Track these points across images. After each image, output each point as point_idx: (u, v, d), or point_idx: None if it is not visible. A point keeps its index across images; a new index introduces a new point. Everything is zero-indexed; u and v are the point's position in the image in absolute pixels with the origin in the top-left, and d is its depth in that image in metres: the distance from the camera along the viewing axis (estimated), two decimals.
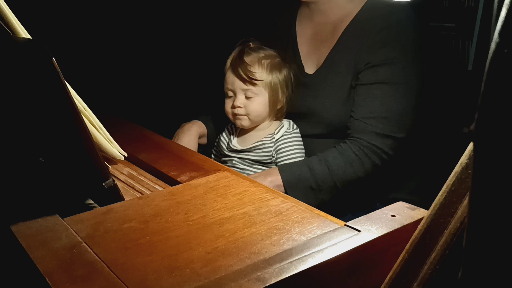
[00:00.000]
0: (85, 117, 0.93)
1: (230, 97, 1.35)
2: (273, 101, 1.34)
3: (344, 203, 1.27)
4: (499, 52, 0.35)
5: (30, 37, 0.83)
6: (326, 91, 1.32)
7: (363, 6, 1.31)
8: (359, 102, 1.26)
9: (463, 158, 0.60)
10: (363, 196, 1.31)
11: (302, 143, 1.36)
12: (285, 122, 1.39)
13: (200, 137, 1.48)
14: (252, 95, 1.32)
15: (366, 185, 1.27)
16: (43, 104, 0.88)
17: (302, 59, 1.39)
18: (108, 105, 1.43)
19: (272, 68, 1.33)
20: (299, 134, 1.37)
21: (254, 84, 1.31)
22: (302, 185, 1.22)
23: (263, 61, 1.33)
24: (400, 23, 1.26)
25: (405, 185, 1.37)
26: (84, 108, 0.97)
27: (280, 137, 1.35)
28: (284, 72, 1.35)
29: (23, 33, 0.85)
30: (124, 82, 1.94)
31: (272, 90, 1.33)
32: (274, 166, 1.32)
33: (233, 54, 1.36)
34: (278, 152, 1.34)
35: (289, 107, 1.39)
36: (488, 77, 0.36)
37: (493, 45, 0.37)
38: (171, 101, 2.05)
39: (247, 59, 1.32)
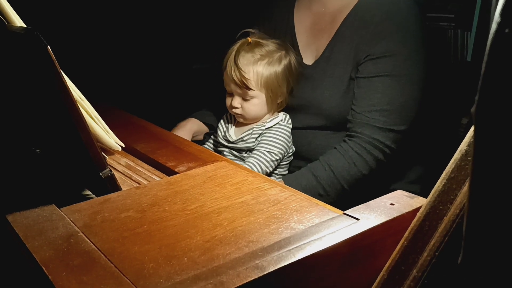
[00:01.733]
0: (82, 107, 0.92)
1: (229, 95, 1.37)
2: (271, 98, 1.34)
3: (347, 199, 1.27)
4: (500, 32, 0.35)
5: (25, 26, 0.82)
6: (325, 82, 1.31)
7: None
8: (360, 94, 1.25)
9: (463, 145, 0.59)
10: (366, 190, 1.31)
11: (289, 138, 1.36)
12: (281, 114, 1.38)
13: (194, 135, 1.48)
14: (249, 97, 1.32)
15: (369, 180, 1.27)
16: (39, 93, 0.87)
17: (300, 49, 1.38)
18: (105, 95, 1.43)
19: (268, 66, 1.31)
20: (289, 130, 1.37)
21: (248, 89, 1.32)
22: (310, 194, 1.22)
23: (259, 62, 1.31)
24: (400, 14, 1.24)
25: (405, 175, 1.37)
26: (80, 98, 0.96)
27: (271, 126, 1.35)
28: (284, 62, 1.34)
29: (18, 22, 0.84)
30: (122, 72, 1.92)
31: (269, 89, 1.32)
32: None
33: (229, 53, 1.34)
34: (262, 137, 1.34)
35: (288, 98, 1.38)
36: (489, 57, 0.36)
37: (494, 26, 0.36)
38: (169, 91, 2.04)
39: (241, 62, 1.31)
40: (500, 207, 0.38)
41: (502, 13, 0.35)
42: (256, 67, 1.31)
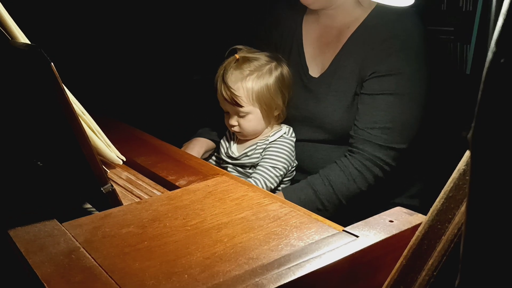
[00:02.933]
0: (84, 122, 0.93)
1: (226, 113, 1.38)
2: (267, 111, 1.34)
3: (346, 213, 1.27)
4: (495, 61, 0.35)
5: (29, 42, 0.83)
6: (329, 96, 1.31)
7: (370, 12, 1.30)
8: (363, 111, 1.26)
9: (461, 164, 0.60)
10: (365, 204, 1.31)
11: (292, 152, 1.36)
12: (284, 127, 1.39)
13: (203, 157, 1.47)
14: (243, 114, 1.33)
15: (368, 194, 1.27)
16: (42, 109, 0.88)
17: (306, 60, 1.39)
18: (106, 107, 1.44)
19: (259, 80, 1.31)
20: (293, 143, 1.37)
21: (240, 106, 1.32)
22: (308, 208, 1.22)
23: (248, 78, 1.31)
24: (406, 32, 1.25)
25: (405, 190, 1.37)
26: (82, 113, 0.97)
27: (274, 140, 1.36)
28: (275, 74, 1.33)
29: (22, 38, 0.85)
30: (122, 85, 1.94)
31: (262, 103, 1.32)
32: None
33: (218, 73, 1.35)
34: (265, 151, 1.35)
35: (291, 110, 1.38)
36: (485, 86, 0.36)
37: (489, 55, 0.37)
38: (169, 103, 2.05)
39: (230, 81, 1.31)
40: (497, 229, 0.38)
41: (497, 43, 0.36)
42: (245, 83, 1.31)
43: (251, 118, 1.33)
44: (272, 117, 1.36)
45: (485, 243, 0.38)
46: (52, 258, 0.69)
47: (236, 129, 1.36)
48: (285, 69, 1.36)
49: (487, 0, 1.71)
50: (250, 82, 1.31)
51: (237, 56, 1.34)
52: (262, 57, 1.35)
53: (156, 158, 1.13)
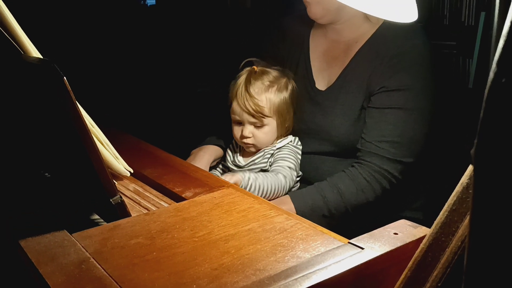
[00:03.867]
0: (93, 134, 0.94)
1: (238, 126, 1.37)
2: (281, 124, 1.36)
3: (351, 224, 1.28)
4: (497, 81, 0.37)
5: (41, 57, 0.85)
6: (336, 109, 1.33)
7: (378, 28, 1.31)
8: (371, 125, 1.28)
9: (464, 178, 0.61)
10: (370, 216, 1.32)
11: (299, 158, 1.38)
12: (290, 136, 1.40)
13: (211, 165, 1.48)
14: (260, 125, 1.34)
15: (374, 206, 1.29)
16: (52, 121, 0.90)
17: (313, 74, 1.41)
18: (110, 117, 1.45)
19: (278, 93, 1.34)
20: (300, 149, 1.39)
21: (264, 117, 1.33)
22: (315, 214, 1.24)
23: (269, 89, 1.33)
24: (415, 49, 1.26)
25: (409, 203, 1.38)
26: (91, 125, 0.99)
27: (282, 146, 1.37)
28: (289, 88, 1.37)
29: (34, 52, 0.87)
30: (129, 96, 1.96)
31: (280, 115, 1.35)
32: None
33: (238, 83, 1.35)
34: (275, 156, 1.36)
35: (298, 122, 1.40)
36: (487, 104, 0.38)
37: (491, 75, 0.38)
38: (174, 115, 2.07)
39: (253, 91, 1.32)
40: (499, 245, 0.39)
41: (499, 63, 0.37)
42: (268, 94, 1.33)
43: (267, 130, 1.35)
44: (283, 129, 1.38)
45: (488, 255, 0.40)
46: (63, 269, 0.70)
47: (249, 141, 1.35)
48: (294, 84, 1.39)
49: (488, 16, 1.73)
50: (272, 94, 1.33)
51: (255, 68, 1.36)
52: (276, 72, 1.37)
53: (163, 170, 1.15)
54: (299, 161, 1.38)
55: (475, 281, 0.43)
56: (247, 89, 1.33)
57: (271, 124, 1.35)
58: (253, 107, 1.32)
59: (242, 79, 1.35)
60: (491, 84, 0.38)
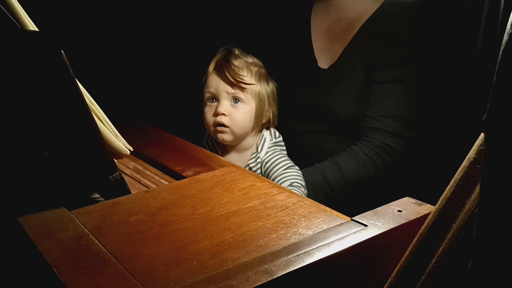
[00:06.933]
0: (92, 111, 0.93)
1: (212, 104, 1.20)
2: (259, 113, 1.21)
3: (354, 203, 1.26)
4: (511, 42, 0.35)
5: (38, 30, 0.83)
6: (339, 87, 1.32)
7: (380, 4, 1.31)
8: (374, 100, 1.28)
9: (471, 153, 0.60)
10: (374, 193, 1.31)
11: (285, 149, 1.26)
12: (265, 133, 1.26)
13: None
14: (239, 102, 1.18)
15: (377, 183, 1.27)
16: (51, 96, 0.88)
17: (315, 52, 1.39)
18: (114, 101, 1.43)
19: (260, 77, 1.21)
20: (282, 142, 1.27)
21: (242, 89, 1.17)
22: (316, 192, 1.22)
23: (251, 67, 1.21)
24: (417, 23, 1.27)
25: (413, 180, 1.38)
26: (91, 102, 0.97)
27: (265, 154, 1.22)
28: (271, 85, 1.24)
29: (31, 26, 0.85)
30: (130, 80, 1.93)
31: (260, 101, 1.20)
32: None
33: (217, 57, 1.22)
34: (267, 167, 1.21)
35: (302, 102, 1.37)
36: (501, 67, 0.36)
37: (505, 37, 0.37)
38: (178, 99, 2.04)
39: (235, 62, 1.19)
40: (510, 213, 0.38)
41: None
42: (250, 69, 1.21)
43: (245, 109, 1.18)
44: (259, 123, 1.23)
45: (500, 224, 0.38)
46: (61, 244, 0.69)
47: (224, 120, 1.17)
48: (275, 84, 1.26)
49: None
50: (254, 72, 1.21)
51: (236, 50, 1.24)
52: (259, 62, 1.25)
53: (163, 149, 1.13)
54: (286, 152, 1.26)
55: (484, 254, 0.41)
56: (227, 59, 1.19)
57: (249, 104, 1.18)
58: (233, 74, 1.17)
59: (220, 53, 1.23)
60: (505, 46, 0.36)
